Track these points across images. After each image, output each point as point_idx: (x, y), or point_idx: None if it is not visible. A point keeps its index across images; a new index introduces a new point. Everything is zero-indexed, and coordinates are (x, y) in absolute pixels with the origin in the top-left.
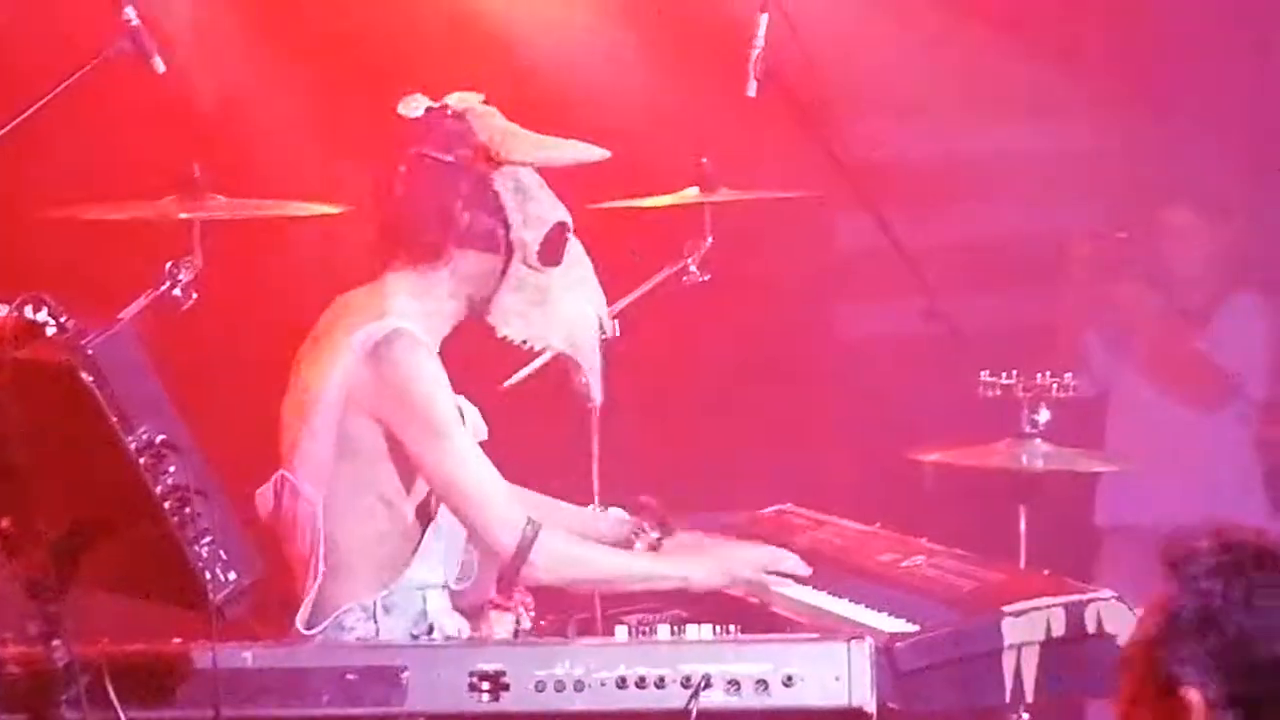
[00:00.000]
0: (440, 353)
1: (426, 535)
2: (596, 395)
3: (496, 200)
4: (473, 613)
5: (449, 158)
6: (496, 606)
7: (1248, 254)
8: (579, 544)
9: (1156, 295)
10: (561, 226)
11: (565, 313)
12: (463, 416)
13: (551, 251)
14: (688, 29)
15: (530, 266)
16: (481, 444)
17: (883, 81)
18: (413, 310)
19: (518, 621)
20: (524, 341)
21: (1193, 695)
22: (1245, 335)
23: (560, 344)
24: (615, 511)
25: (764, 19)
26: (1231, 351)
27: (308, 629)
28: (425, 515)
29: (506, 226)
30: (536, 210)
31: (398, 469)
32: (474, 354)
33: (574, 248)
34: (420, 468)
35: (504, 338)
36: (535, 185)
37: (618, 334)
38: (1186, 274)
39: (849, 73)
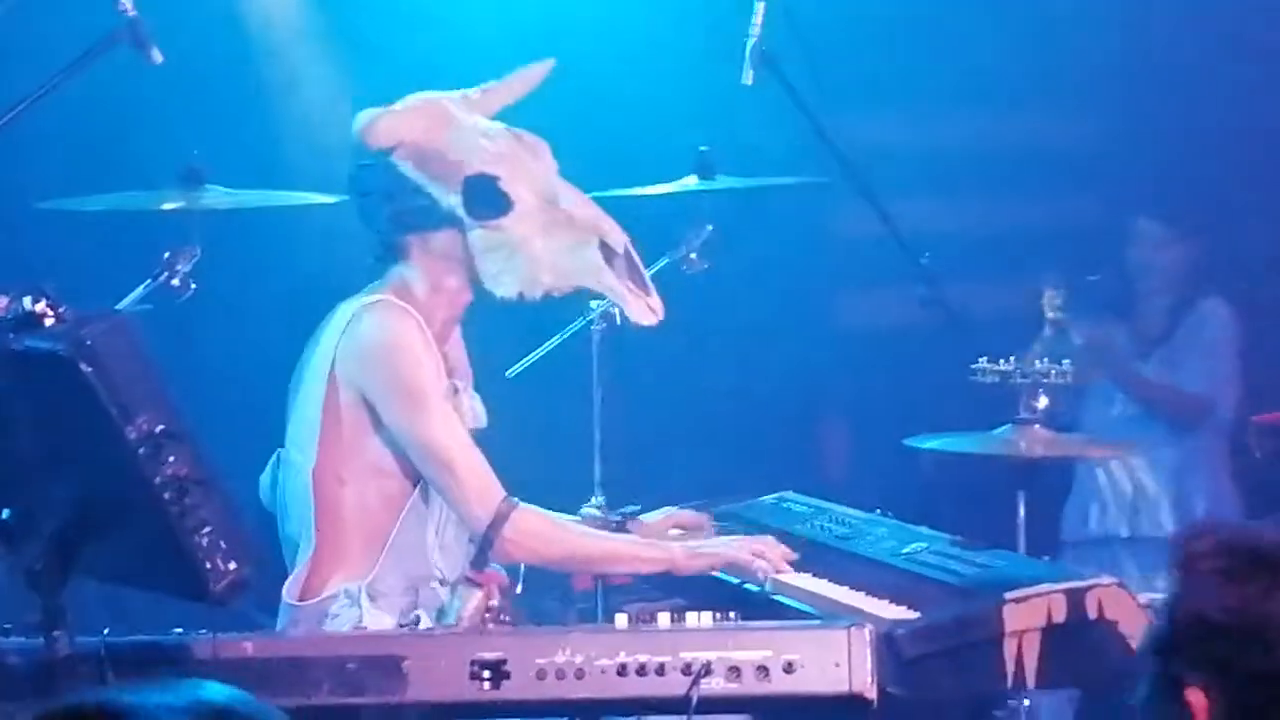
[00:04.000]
0: (457, 337)
1: (412, 516)
2: (633, 314)
3: (409, 181)
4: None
5: (364, 161)
6: (469, 582)
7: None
8: (557, 523)
9: (1119, 334)
10: (476, 178)
11: (546, 252)
12: (460, 401)
13: (485, 204)
14: (685, 16)
15: (481, 226)
16: (486, 431)
17: (879, 69)
18: (410, 295)
19: (488, 597)
20: (519, 296)
21: (1196, 696)
22: (1212, 344)
23: (556, 283)
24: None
25: (761, 6)
26: (1198, 360)
27: (299, 601)
28: (420, 494)
29: (428, 198)
30: (444, 174)
31: (385, 441)
32: (480, 347)
33: (536, 184)
34: (398, 436)
35: (503, 300)
36: (435, 153)
37: (632, 250)
38: (1151, 284)
39: (846, 60)
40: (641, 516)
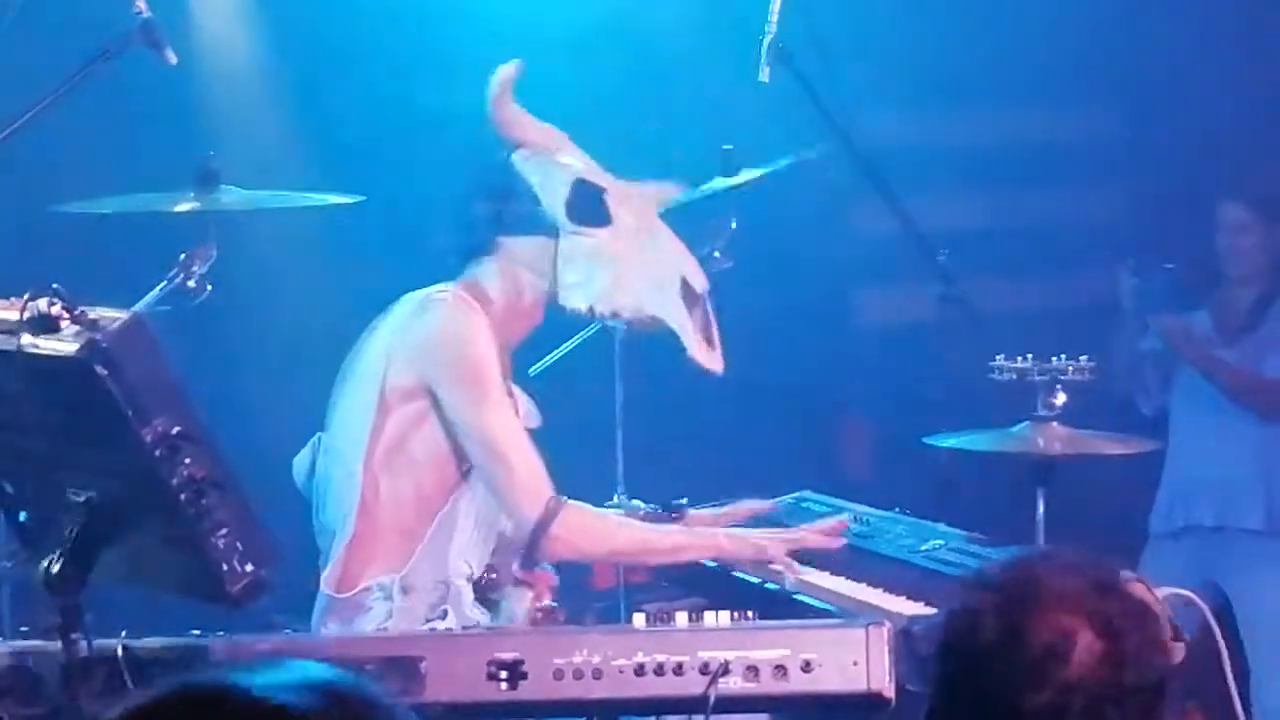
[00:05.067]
0: (507, 352)
1: (452, 512)
2: (698, 356)
3: (521, 181)
4: (494, 597)
5: (481, 158)
6: (519, 583)
7: None
8: (603, 517)
9: (1200, 321)
10: (582, 184)
11: (631, 275)
12: (515, 402)
13: (587, 210)
14: (709, 13)
15: (576, 233)
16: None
17: (896, 64)
18: (483, 297)
19: (537, 598)
20: (589, 309)
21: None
22: None
23: (631, 307)
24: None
25: (776, 3)
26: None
27: (336, 593)
28: (460, 488)
29: (536, 201)
30: (553, 176)
31: (437, 433)
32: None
33: (636, 210)
34: (456, 425)
35: (572, 312)
36: (548, 153)
37: (709, 300)
38: (1239, 270)
39: (862, 56)
40: (690, 511)
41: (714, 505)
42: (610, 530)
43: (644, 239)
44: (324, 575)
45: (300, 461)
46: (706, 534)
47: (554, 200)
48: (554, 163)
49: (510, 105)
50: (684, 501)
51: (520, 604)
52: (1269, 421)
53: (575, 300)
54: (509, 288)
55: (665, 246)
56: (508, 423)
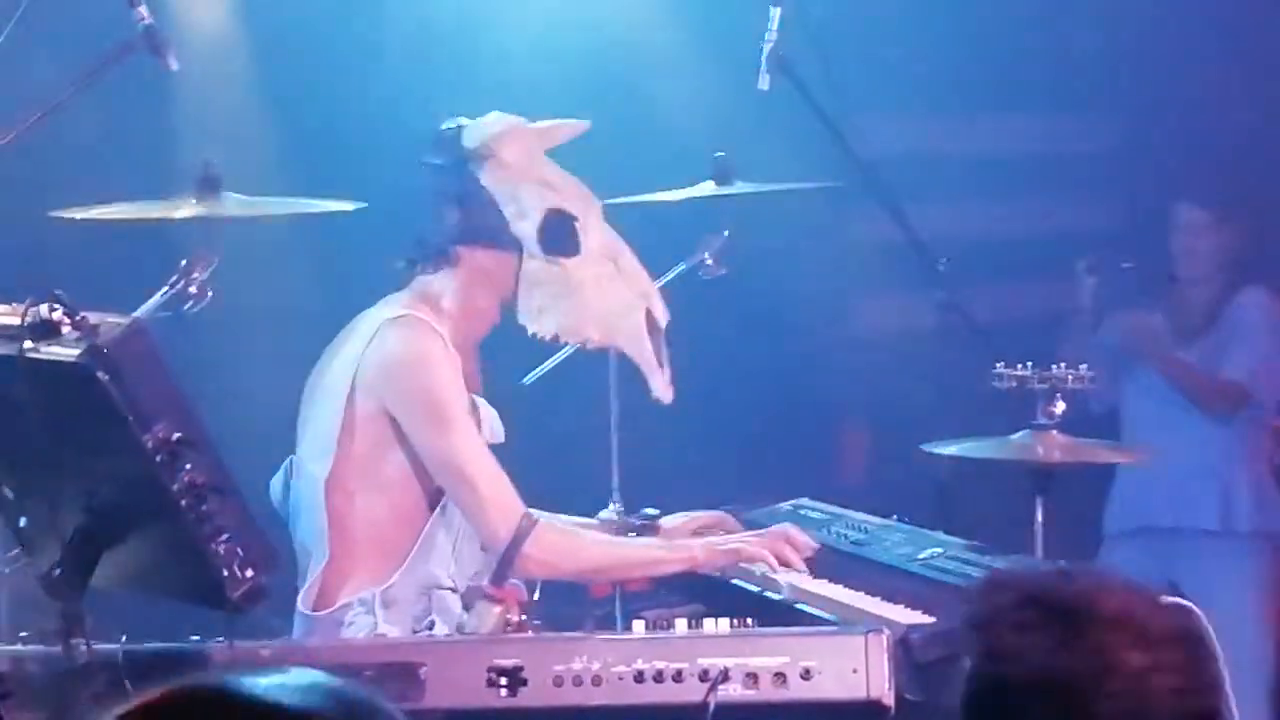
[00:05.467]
0: (472, 353)
1: (434, 528)
2: (656, 388)
3: (487, 195)
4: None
5: (439, 161)
6: (487, 597)
7: (1256, 251)
8: (577, 536)
9: (1158, 321)
10: (557, 213)
11: (598, 304)
12: (479, 416)
13: (558, 240)
14: (702, 21)
15: (544, 259)
16: (503, 442)
17: (895, 73)
18: (435, 309)
19: (505, 613)
20: (554, 336)
21: None
22: (1253, 332)
23: (598, 336)
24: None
25: (776, 11)
26: (1238, 349)
27: (314, 611)
28: (435, 507)
29: (500, 216)
30: (527, 200)
31: (405, 454)
32: (495, 354)
33: (603, 237)
34: (420, 451)
35: (534, 335)
36: (524, 176)
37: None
38: (1193, 271)
39: (861, 64)
40: (662, 520)
41: (687, 514)
42: (583, 546)
43: (610, 265)
44: (300, 596)
45: (275, 484)
46: (681, 546)
47: (524, 225)
48: (523, 185)
49: (480, 123)
50: (655, 513)
51: (488, 619)
52: (1224, 422)
53: (540, 326)
54: (465, 297)
55: (631, 273)
56: (472, 446)
